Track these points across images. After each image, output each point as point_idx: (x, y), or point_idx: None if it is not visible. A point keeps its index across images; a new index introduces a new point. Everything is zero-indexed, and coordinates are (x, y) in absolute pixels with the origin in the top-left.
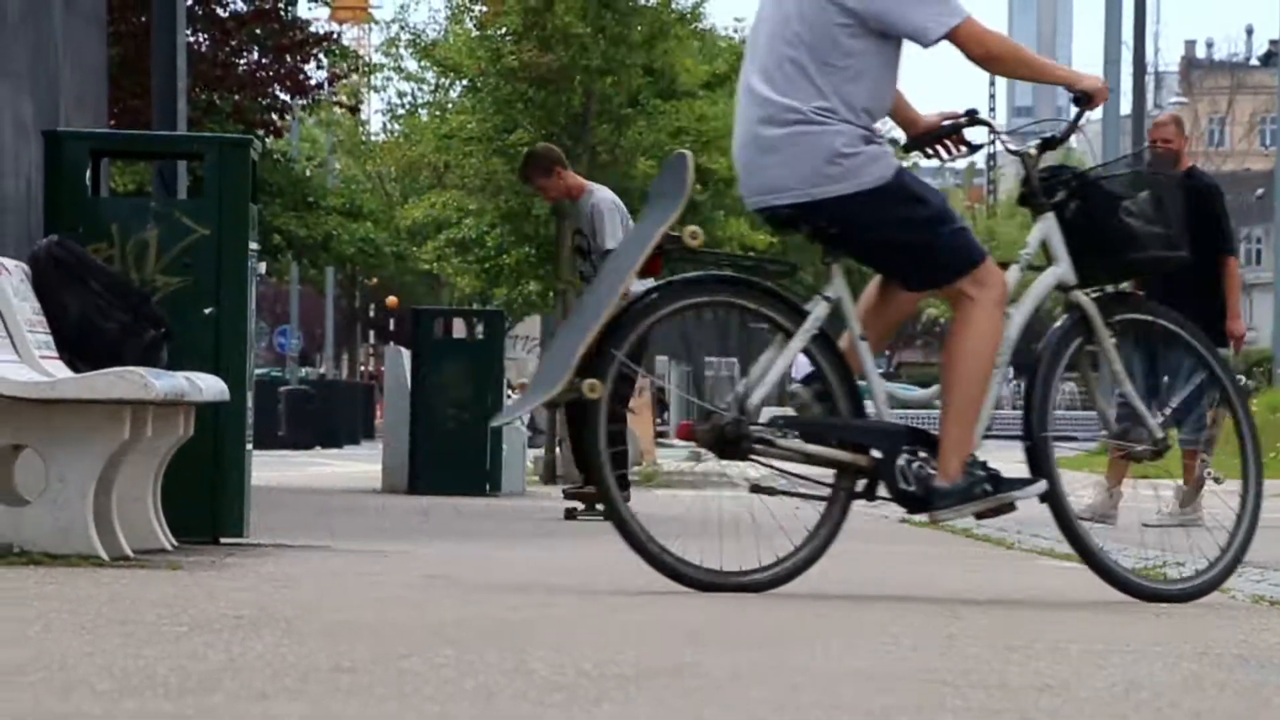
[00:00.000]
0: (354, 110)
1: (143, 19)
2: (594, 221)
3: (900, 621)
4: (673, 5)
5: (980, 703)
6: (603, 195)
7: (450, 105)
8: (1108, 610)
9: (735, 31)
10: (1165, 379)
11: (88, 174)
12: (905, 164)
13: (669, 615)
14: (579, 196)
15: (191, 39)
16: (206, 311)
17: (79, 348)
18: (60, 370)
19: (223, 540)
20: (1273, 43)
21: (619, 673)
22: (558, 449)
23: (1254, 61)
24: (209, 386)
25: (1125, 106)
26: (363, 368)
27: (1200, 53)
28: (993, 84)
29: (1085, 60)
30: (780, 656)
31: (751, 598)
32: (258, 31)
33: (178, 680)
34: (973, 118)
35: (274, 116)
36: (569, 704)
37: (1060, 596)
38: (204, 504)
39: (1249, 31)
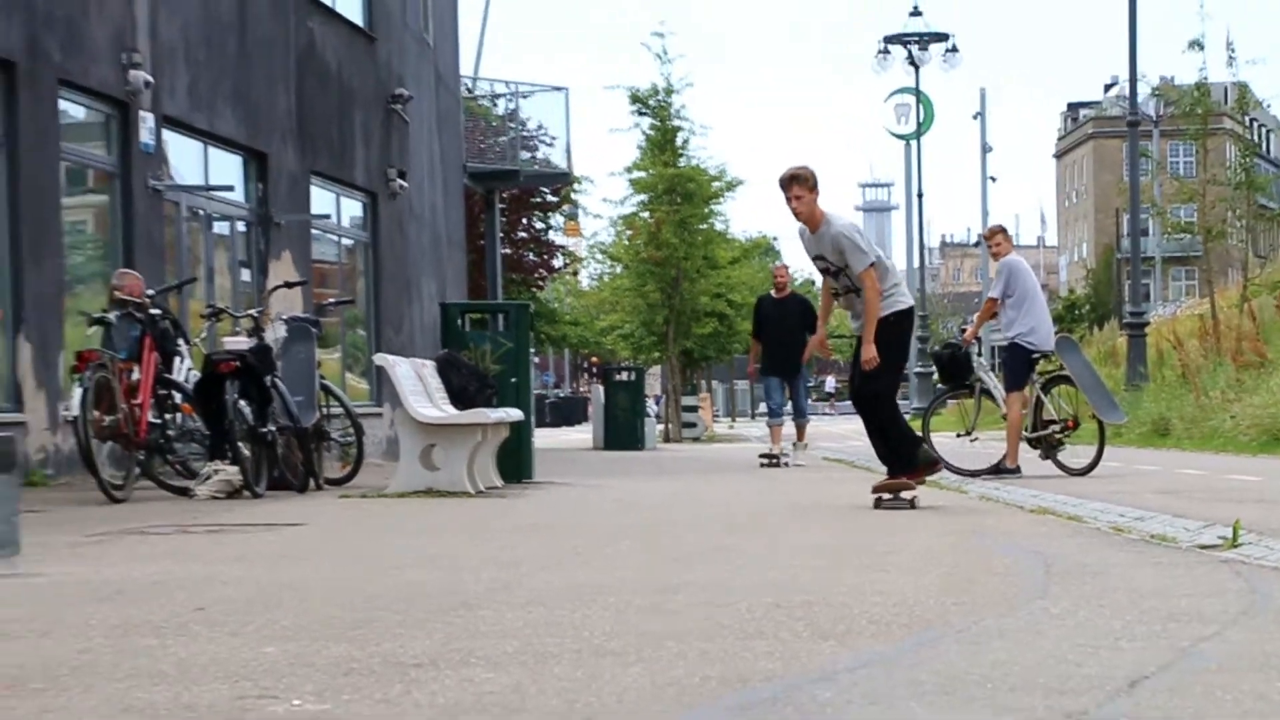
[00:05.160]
0: (575, 274)
1: (480, 241)
2: (838, 245)
3: (827, 518)
4: (715, 227)
5: (865, 562)
6: (841, 223)
7: (616, 273)
8: (915, 508)
9: (744, 235)
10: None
11: (459, 321)
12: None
13: (719, 515)
14: (817, 228)
15: (503, 250)
16: (512, 380)
17: (458, 400)
18: (451, 410)
19: (524, 480)
20: (979, 234)
21: (692, 552)
22: (668, 424)
23: (972, 242)
24: (515, 414)
25: (915, 263)
26: (583, 390)
27: (950, 239)
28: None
29: (895, 242)
30: (774, 539)
31: (758, 507)
32: (532, 245)
33: (511, 560)
34: None
35: (539, 282)
36: (674, 566)
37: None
38: (515, 462)
39: (968, 230)
